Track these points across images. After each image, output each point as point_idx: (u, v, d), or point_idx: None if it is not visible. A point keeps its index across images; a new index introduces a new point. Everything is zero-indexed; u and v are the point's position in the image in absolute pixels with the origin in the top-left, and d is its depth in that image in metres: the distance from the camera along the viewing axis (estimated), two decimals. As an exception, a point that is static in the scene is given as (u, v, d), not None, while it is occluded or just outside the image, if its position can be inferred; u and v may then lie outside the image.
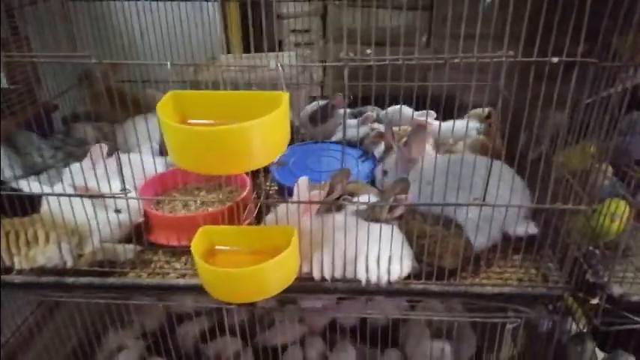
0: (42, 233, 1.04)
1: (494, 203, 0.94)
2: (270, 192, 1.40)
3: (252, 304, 1.24)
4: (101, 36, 1.46)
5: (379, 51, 0.84)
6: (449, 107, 1.01)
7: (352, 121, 1.55)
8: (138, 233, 1.09)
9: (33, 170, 1.31)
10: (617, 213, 0.98)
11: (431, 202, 1.02)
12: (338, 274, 1.02)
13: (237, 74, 1.47)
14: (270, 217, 1.09)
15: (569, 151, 1.07)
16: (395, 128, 1.23)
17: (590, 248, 1.05)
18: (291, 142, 0.82)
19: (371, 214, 1.05)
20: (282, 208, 1.06)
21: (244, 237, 1.01)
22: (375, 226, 0.99)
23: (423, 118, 1.30)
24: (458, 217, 1.01)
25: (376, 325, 1.61)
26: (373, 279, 0.99)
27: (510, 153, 1.07)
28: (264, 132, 0.76)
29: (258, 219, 1.19)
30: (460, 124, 1.43)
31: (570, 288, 1.00)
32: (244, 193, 1.17)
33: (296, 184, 1.04)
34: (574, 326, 1.18)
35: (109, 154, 1.17)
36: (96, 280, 1.07)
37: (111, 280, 1.08)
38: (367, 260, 0.99)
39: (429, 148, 1.28)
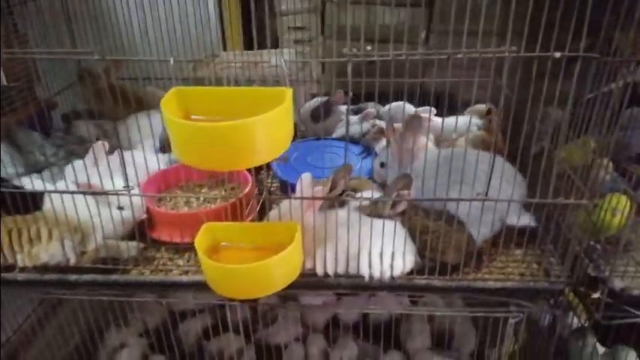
0: (45, 230, 1.04)
1: (497, 198, 0.95)
2: (272, 189, 1.40)
3: (255, 301, 1.24)
4: (99, 33, 1.46)
5: (377, 48, 0.84)
6: (448, 104, 1.01)
7: (353, 118, 1.56)
8: (141, 230, 1.10)
9: (35, 168, 1.31)
10: (618, 208, 0.99)
11: (433, 197, 1.02)
12: (341, 270, 1.02)
13: (238, 71, 1.46)
14: (273, 214, 1.10)
15: (570, 147, 1.08)
16: (397, 125, 1.22)
17: (592, 243, 1.05)
18: (292, 138, 0.82)
19: (374, 210, 1.06)
20: (285, 204, 1.07)
21: (248, 233, 1.01)
22: (377, 222, 0.99)
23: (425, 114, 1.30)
24: (457, 211, 1.01)
25: (377, 322, 1.62)
26: (376, 274, 0.99)
27: (512, 148, 1.07)
28: (268, 128, 0.76)
29: (261, 215, 1.19)
30: (462, 120, 1.44)
31: (572, 282, 1.01)
32: (247, 190, 1.17)
33: (299, 180, 1.04)
34: (575, 321, 1.19)
35: (110, 152, 1.17)
36: (99, 278, 1.07)
37: (114, 277, 1.08)
38: (370, 256, 0.99)
39: (430, 144, 1.28)
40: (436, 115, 1.46)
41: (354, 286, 1.04)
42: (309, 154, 1.46)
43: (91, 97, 1.50)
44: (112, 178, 1.02)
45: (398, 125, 1.22)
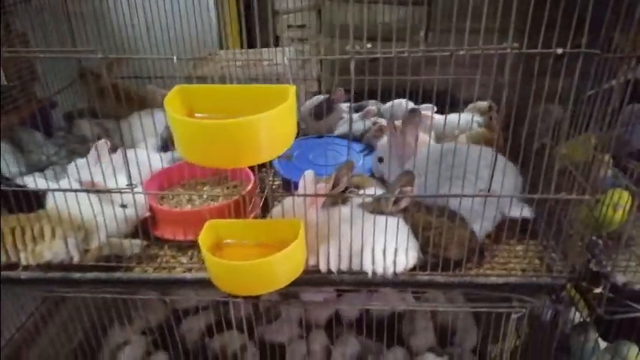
0: (48, 229, 1.04)
1: (500, 194, 0.95)
2: (273, 186, 1.40)
3: (257, 298, 1.25)
4: (98, 32, 1.46)
5: (375, 46, 0.85)
6: (446, 101, 1.02)
7: (354, 116, 1.56)
8: (144, 228, 1.10)
9: (36, 167, 1.31)
10: (619, 203, 0.99)
11: (436, 192, 1.03)
12: (344, 267, 1.02)
13: (238, 70, 1.47)
14: (276, 211, 1.10)
15: (571, 143, 1.08)
16: (397, 122, 1.23)
17: (593, 238, 1.06)
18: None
19: (376, 207, 1.06)
20: (288, 201, 1.07)
21: (251, 230, 1.01)
22: (380, 218, 0.99)
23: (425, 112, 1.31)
24: (457, 205, 1.02)
25: (379, 318, 1.62)
26: (379, 270, 1.00)
27: (513, 145, 1.07)
28: (272, 125, 0.76)
29: (263, 213, 1.20)
30: (463, 117, 1.44)
31: (574, 277, 1.02)
32: (249, 187, 1.18)
33: (302, 177, 1.05)
34: (576, 317, 1.19)
35: (113, 151, 1.17)
36: (102, 275, 1.08)
37: (117, 275, 1.08)
38: (373, 252, 1.00)
39: (428, 139, 1.29)
40: (436, 112, 1.46)
41: (357, 282, 1.04)
42: (310, 152, 1.47)
43: (94, 95, 1.50)
44: (115, 177, 1.03)
45: (399, 123, 1.22)
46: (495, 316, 1.14)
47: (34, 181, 1.09)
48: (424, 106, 1.37)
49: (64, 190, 1.03)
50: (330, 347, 1.57)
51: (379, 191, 1.11)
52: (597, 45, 0.85)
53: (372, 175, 1.32)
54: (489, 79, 0.90)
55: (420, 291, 1.56)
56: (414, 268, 1.02)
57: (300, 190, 1.04)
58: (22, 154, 1.31)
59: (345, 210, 1.05)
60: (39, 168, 1.31)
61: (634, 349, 1.14)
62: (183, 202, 1.21)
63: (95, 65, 1.48)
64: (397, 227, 0.98)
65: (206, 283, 1.02)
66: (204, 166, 1.13)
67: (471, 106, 1.55)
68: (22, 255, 1.04)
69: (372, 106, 1.59)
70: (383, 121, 1.50)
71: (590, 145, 1.05)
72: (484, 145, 1.19)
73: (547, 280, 1.02)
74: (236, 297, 1.07)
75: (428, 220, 1.03)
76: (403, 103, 1.53)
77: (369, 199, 1.07)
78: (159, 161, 1.29)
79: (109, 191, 1.04)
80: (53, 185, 1.10)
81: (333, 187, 1.06)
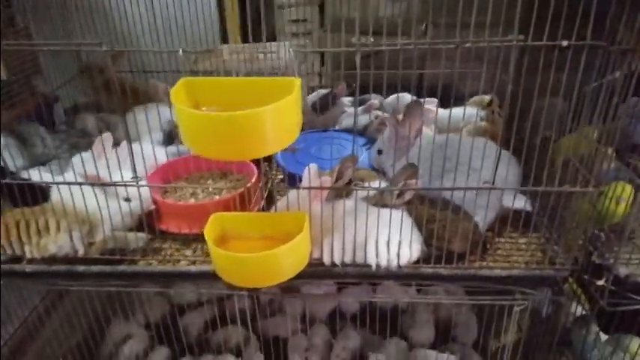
0: (53, 222, 1.04)
1: (503, 187, 0.96)
2: (276, 180, 1.41)
3: (258, 290, 1.25)
4: (94, 25, 1.45)
5: (377, 40, 0.85)
6: (449, 95, 1.02)
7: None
8: (148, 222, 1.10)
9: (39, 161, 1.31)
10: (622, 196, 1.00)
11: (437, 184, 1.03)
12: (348, 259, 1.03)
13: (240, 63, 1.47)
14: (280, 204, 1.10)
15: (574, 136, 1.08)
16: (400, 116, 1.23)
17: (596, 231, 1.06)
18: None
19: (380, 200, 1.06)
20: (292, 194, 1.07)
21: (256, 223, 1.02)
22: (384, 211, 1.00)
23: (429, 106, 1.31)
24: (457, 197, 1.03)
25: (381, 311, 1.63)
26: (383, 263, 1.00)
27: (515, 138, 1.08)
28: (279, 117, 0.76)
29: (267, 206, 1.20)
30: (468, 111, 1.44)
31: (577, 269, 1.02)
32: (253, 180, 1.18)
33: (306, 170, 1.05)
34: (577, 310, 1.20)
35: (116, 144, 1.17)
36: (107, 268, 1.08)
37: (121, 268, 1.08)
38: (377, 245, 1.00)
39: (427, 130, 1.29)
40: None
41: (361, 275, 1.05)
42: (313, 146, 1.47)
43: (98, 89, 1.50)
44: (120, 170, 1.03)
45: (401, 116, 1.23)
46: (497, 309, 1.15)
47: (38, 175, 1.09)
48: (428, 100, 1.38)
49: (69, 184, 1.03)
50: (331, 341, 1.58)
51: (383, 185, 1.11)
52: (602, 37, 0.86)
53: (373, 169, 1.32)
54: (493, 73, 0.90)
55: (424, 284, 1.56)
56: (417, 261, 1.03)
57: (304, 184, 1.04)
58: (25, 148, 1.31)
59: (349, 203, 1.05)
60: (42, 162, 1.31)
61: (635, 341, 1.15)
62: (187, 196, 1.21)
63: (99, 59, 1.48)
64: (401, 220, 0.99)
65: (210, 276, 1.02)
66: (211, 158, 1.13)
67: (472, 99, 1.55)
68: (27, 248, 1.04)
69: (373, 99, 1.59)
70: (385, 115, 1.50)
71: (593, 137, 1.05)
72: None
73: (550, 272, 1.03)
74: (240, 290, 1.07)
75: (431, 212, 1.03)
76: (407, 96, 1.53)
77: (373, 192, 1.08)
78: (163, 155, 1.30)
79: (114, 184, 1.04)
80: (58, 179, 1.10)
81: (337, 180, 1.06)
